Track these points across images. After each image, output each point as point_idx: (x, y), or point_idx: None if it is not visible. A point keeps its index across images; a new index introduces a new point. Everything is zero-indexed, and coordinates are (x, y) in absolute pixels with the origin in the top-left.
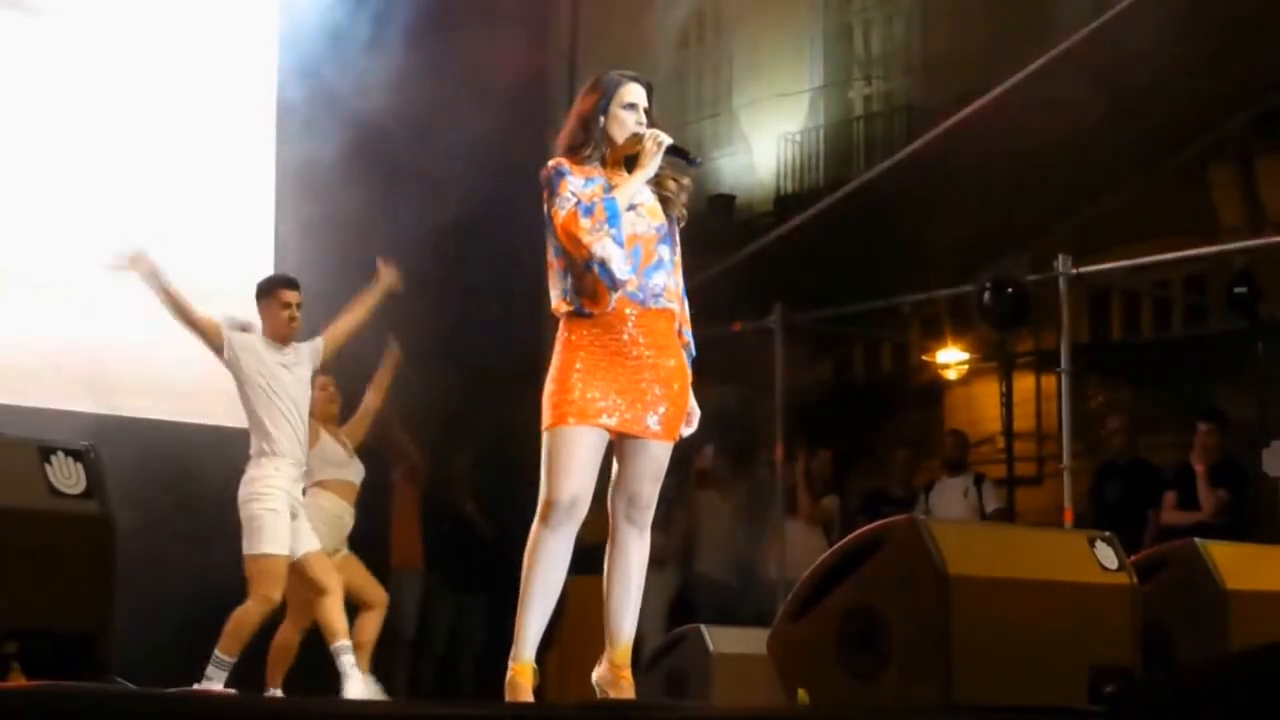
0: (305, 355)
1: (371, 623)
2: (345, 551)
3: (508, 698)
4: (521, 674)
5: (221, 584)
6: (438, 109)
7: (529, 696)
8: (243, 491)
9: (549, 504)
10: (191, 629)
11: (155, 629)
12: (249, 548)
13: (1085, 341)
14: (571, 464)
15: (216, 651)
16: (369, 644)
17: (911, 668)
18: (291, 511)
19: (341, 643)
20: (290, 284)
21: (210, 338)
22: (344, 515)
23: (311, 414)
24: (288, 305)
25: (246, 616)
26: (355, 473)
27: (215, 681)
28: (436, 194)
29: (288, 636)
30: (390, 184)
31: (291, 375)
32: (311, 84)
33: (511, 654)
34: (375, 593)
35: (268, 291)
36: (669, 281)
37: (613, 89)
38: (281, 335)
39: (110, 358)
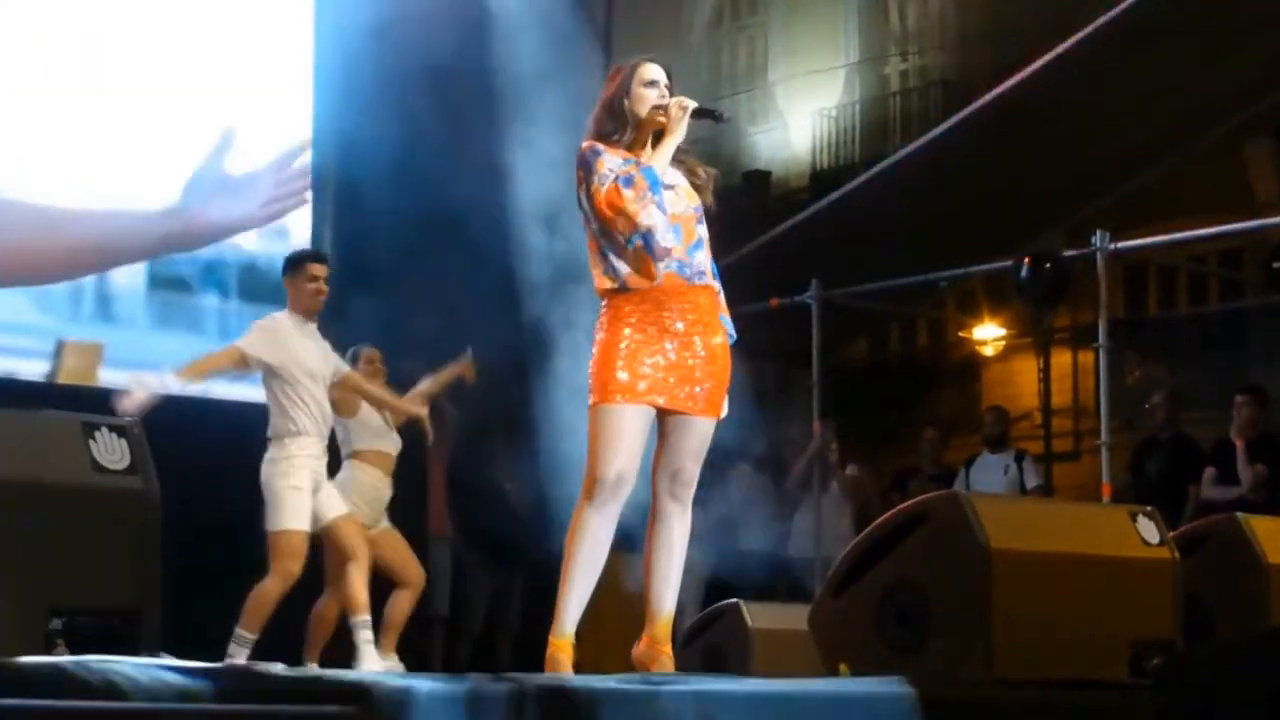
0: (325, 351)
1: (403, 602)
2: (385, 525)
3: (548, 671)
4: (561, 649)
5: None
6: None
7: (569, 671)
8: (265, 470)
9: (594, 481)
10: (240, 604)
11: (204, 603)
12: (270, 524)
13: (1122, 317)
14: (618, 442)
15: (238, 629)
16: (399, 624)
17: (953, 642)
18: (315, 484)
19: (361, 617)
20: (319, 258)
21: (237, 367)
22: (381, 488)
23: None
24: (315, 279)
25: (266, 592)
26: (393, 444)
27: (238, 659)
28: (469, 163)
29: (326, 609)
30: (425, 153)
31: (315, 349)
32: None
33: (552, 630)
34: (410, 572)
35: (297, 265)
36: (709, 260)
37: (630, 70)
38: (308, 308)
39: (150, 336)
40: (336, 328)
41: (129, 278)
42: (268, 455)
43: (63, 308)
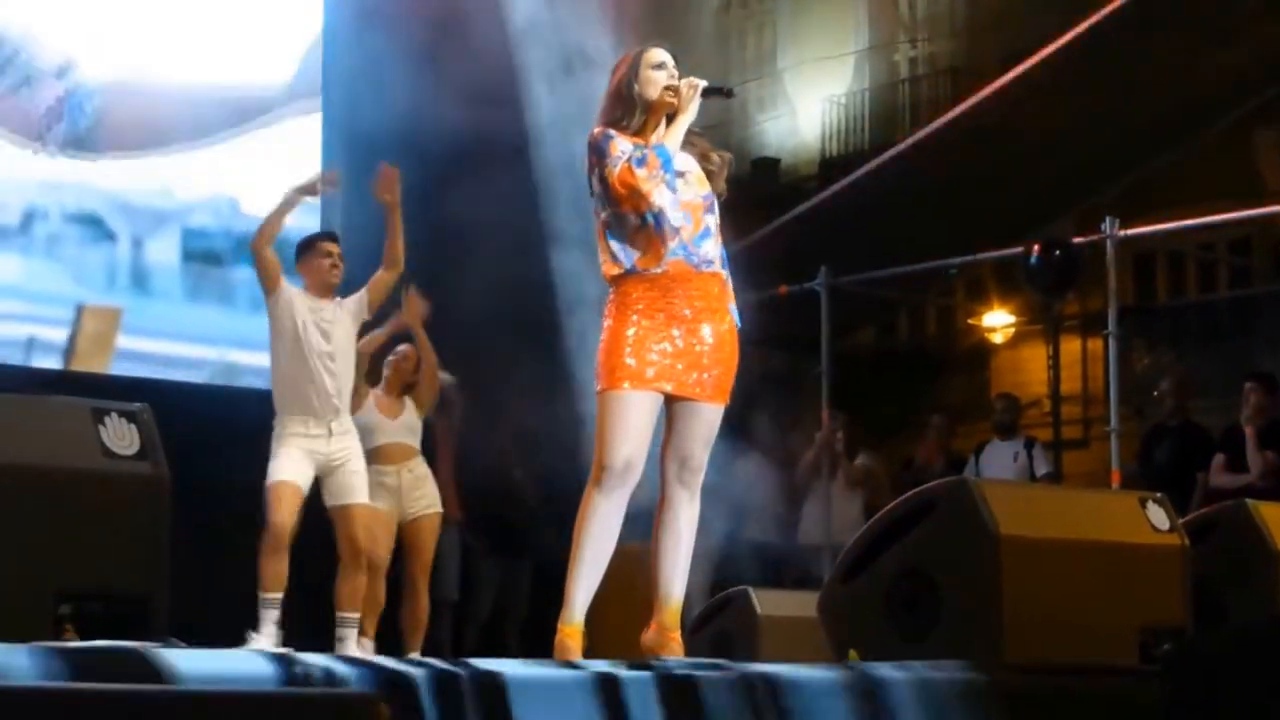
0: (349, 309)
1: (409, 610)
2: (420, 512)
3: (557, 658)
4: (571, 636)
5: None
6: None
7: (580, 657)
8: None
9: (603, 468)
10: (248, 588)
11: (213, 589)
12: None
13: (1130, 304)
14: (626, 428)
15: (260, 594)
16: (413, 633)
17: (962, 628)
18: (327, 466)
19: (345, 614)
20: (331, 237)
21: (271, 276)
22: (390, 479)
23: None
24: (329, 254)
25: (261, 546)
26: (402, 432)
27: (268, 622)
28: (482, 156)
29: (370, 590)
30: (440, 148)
31: (330, 332)
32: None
33: (561, 617)
34: (409, 569)
35: (309, 245)
36: (717, 249)
37: (636, 56)
38: (324, 285)
39: (183, 308)
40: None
41: (163, 251)
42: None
43: (98, 279)
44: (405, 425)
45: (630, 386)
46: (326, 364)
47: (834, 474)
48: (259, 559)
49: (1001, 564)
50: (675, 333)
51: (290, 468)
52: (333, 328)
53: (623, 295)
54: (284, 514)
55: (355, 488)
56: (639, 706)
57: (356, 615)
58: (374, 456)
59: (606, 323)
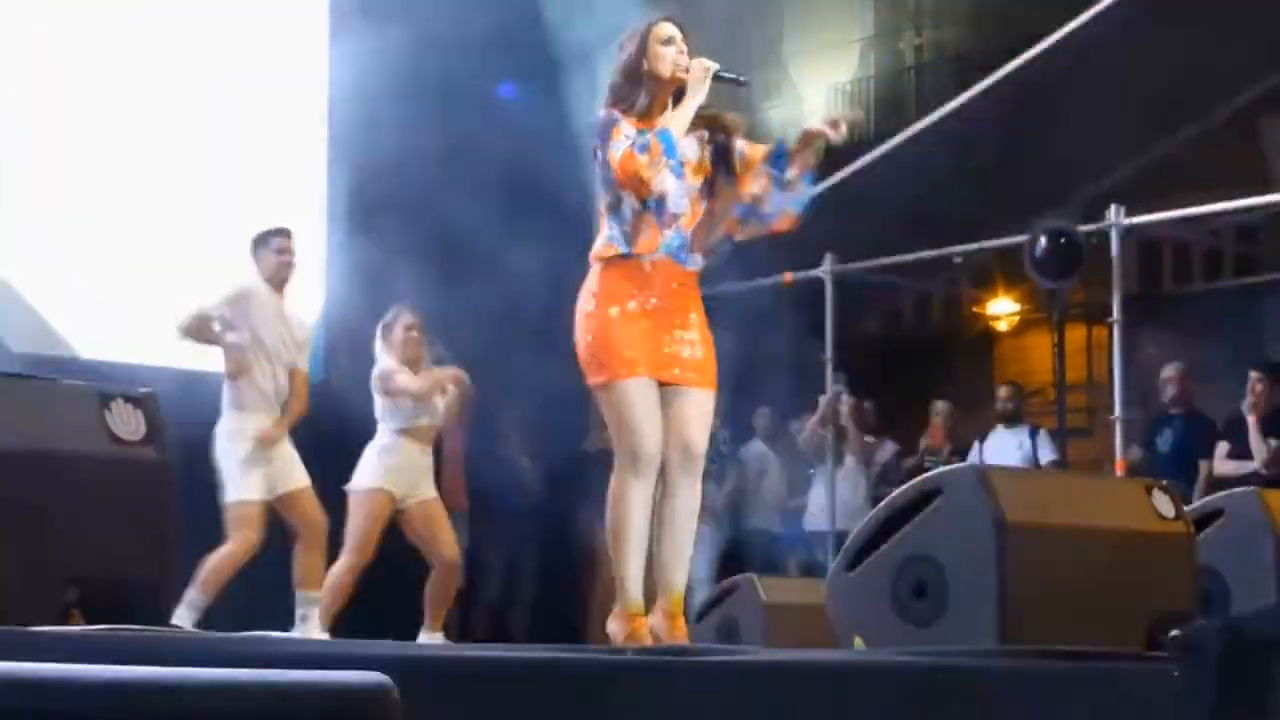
0: (302, 321)
1: (435, 580)
2: (426, 495)
3: (631, 643)
4: (642, 623)
5: (283, 527)
6: (480, 62)
7: (650, 642)
8: (217, 445)
9: (637, 457)
10: (254, 574)
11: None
12: (225, 496)
13: (1135, 292)
14: (646, 415)
15: (190, 592)
16: (440, 601)
17: (969, 615)
18: (268, 454)
19: (305, 593)
20: (283, 232)
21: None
22: (417, 458)
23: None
24: (283, 251)
25: (223, 560)
26: (430, 415)
27: (184, 624)
28: (485, 151)
29: (339, 576)
30: (441, 145)
31: (280, 324)
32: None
33: (625, 605)
34: (437, 548)
35: (262, 241)
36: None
37: (645, 31)
38: (276, 279)
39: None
40: (354, 298)
41: None
42: (219, 426)
43: None
44: (433, 410)
45: (628, 374)
46: (275, 356)
47: (840, 458)
48: (219, 567)
49: (1008, 550)
50: (657, 320)
51: (255, 483)
52: (285, 319)
53: (605, 281)
54: (256, 533)
55: (295, 471)
56: None
57: (315, 594)
58: (405, 433)
59: (586, 308)
